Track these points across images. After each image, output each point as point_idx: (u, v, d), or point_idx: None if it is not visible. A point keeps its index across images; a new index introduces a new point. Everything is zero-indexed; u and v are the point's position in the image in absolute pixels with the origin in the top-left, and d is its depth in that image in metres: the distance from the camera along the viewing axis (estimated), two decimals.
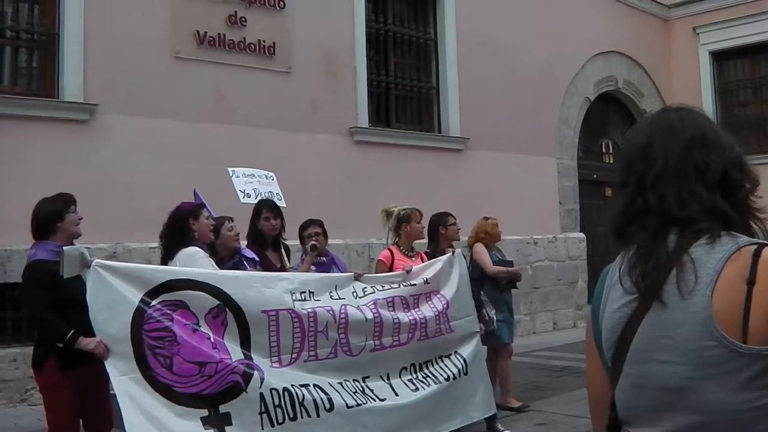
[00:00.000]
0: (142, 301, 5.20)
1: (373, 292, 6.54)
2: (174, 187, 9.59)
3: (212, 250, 6.28)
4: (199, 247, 5.93)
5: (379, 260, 7.37)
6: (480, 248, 8.38)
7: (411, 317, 6.65)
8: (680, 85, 18.35)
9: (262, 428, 5.39)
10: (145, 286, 5.26)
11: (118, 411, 5.06)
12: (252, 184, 7.65)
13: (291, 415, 5.54)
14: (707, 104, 18.03)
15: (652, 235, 1.87)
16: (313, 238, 7.09)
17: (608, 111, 17.79)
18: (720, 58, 18.28)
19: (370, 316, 6.34)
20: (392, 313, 6.54)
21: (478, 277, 8.22)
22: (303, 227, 7.32)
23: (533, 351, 11.89)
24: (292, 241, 7.57)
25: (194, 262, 5.73)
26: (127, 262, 6.62)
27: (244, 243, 7.12)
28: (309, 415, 5.64)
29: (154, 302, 5.24)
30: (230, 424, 5.25)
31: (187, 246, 5.86)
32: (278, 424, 5.46)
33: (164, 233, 6.07)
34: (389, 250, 7.38)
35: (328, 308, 6.10)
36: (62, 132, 9.67)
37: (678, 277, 1.78)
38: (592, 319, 1.98)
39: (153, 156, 10.16)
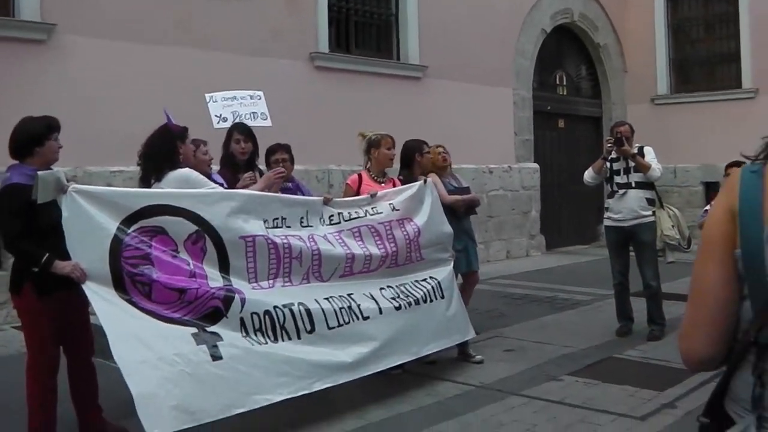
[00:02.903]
0: (119, 228, 5.13)
1: (339, 222, 6.53)
2: (135, 110, 9.48)
3: None
4: None
5: (347, 184, 7.28)
6: (434, 178, 8.13)
7: (382, 247, 6.67)
8: (635, 20, 18.40)
9: (252, 345, 5.41)
10: (122, 213, 5.17)
11: (101, 339, 5.02)
12: (232, 107, 7.48)
13: (272, 338, 5.57)
14: (660, 41, 18.16)
15: None
16: (281, 164, 6.96)
17: (563, 44, 17.82)
18: None
19: (338, 246, 6.35)
20: (360, 243, 6.55)
21: None
22: (270, 152, 7.16)
23: (489, 279, 12.01)
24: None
25: (192, 184, 5.64)
26: (101, 186, 6.46)
27: (216, 168, 7.06)
28: (290, 338, 5.68)
29: (131, 229, 5.17)
30: (222, 340, 5.25)
31: (174, 168, 5.71)
32: (264, 344, 5.50)
33: (148, 154, 5.82)
34: (358, 174, 7.32)
35: (298, 237, 6.11)
36: (19, 52, 9.42)
37: None
38: (742, 226, 1.90)
39: (114, 79, 9.97)
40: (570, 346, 8.09)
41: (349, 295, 6.23)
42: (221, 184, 6.36)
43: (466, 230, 8.14)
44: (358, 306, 6.23)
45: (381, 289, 6.56)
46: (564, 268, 14.45)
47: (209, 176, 6.39)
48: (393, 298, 6.57)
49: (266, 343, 5.52)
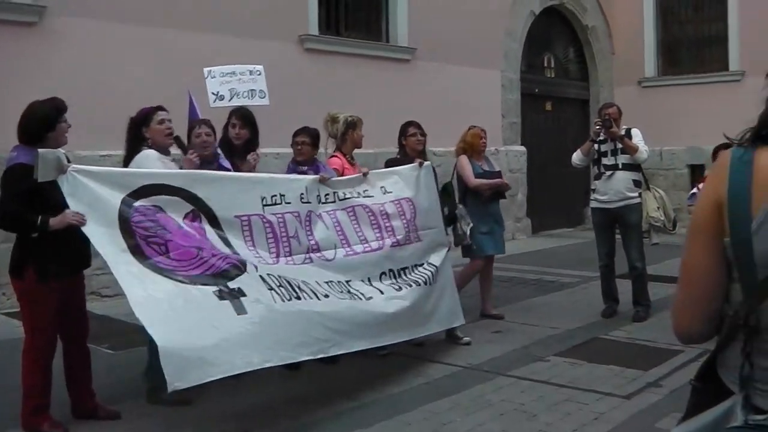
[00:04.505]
0: (123, 201, 5.22)
1: (334, 201, 6.62)
2: (124, 94, 9.46)
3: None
4: (157, 150, 5.92)
5: (334, 168, 7.25)
6: (463, 161, 8.43)
7: (376, 227, 6.77)
8: (623, 2, 18.42)
9: (275, 302, 5.45)
10: (123, 190, 5.28)
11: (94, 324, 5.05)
12: (230, 83, 7.43)
13: (295, 296, 5.64)
14: (648, 23, 18.20)
15: None
16: (299, 147, 7.09)
17: (552, 25, 17.82)
18: None
19: (330, 224, 6.46)
20: (354, 223, 6.66)
21: (461, 190, 8.37)
22: (294, 134, 7.26)
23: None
24: (272, 149, 7.49)
25: (145, 165, 5.76)
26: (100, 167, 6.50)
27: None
28: (311, 297, 5.76)
29: (135, 203, 5.27)
30: (245, 295, 5.30)
31: (138, 152, 5.91)
32: (288, 300, 5.55)
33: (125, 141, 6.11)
34: (338, 156, 7.39)
35: (296, 213, 6.21)
36: (9, 35, 9.38)
37: None
38: (731, 217, 1.94)
39: (104, 61, 9.97)
40: (556, 327, 8.20)
41: (347, 281, 6.31)
42: (227, 169, 6.43)
43: (492, 213, 8.47)
44: (358, 290, 6.31)
45: (382, 274, 6.65)
46: (550, 251, 14.57)
47: (217, 159, 6.45)
48: (391, 284, 6.66)
49: (290, 299, 5.57)
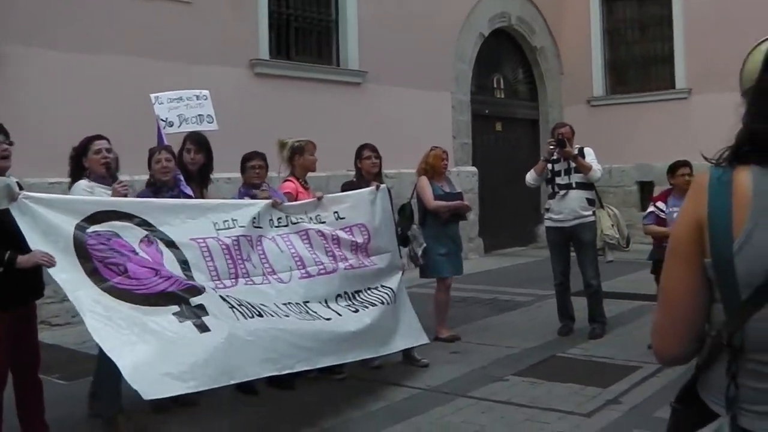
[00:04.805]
0: (77, 227, 5.21)
1: (287, 225, 6.62)
2: (74, 120, 9.34)
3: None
4: (95, 180, 5.90)
5: (287, 193, 7.23)
6: (423, 182, 8.43)
7: (330, 251, 6.75)
8: (571, 23, 18.62)
9: (238, 319, 5.45)
10: (77, 216, 5.26)
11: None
12: (178, 109, 7.41)
13: (258, 313, 5.65)
14: (596, 43, 18.41)
15: None
16: (257, 170, 7.09)
17: (501, 47, 17.95)
18: None
19: (284, 247, 6.43)
20: (308, 245, 6.65)
21: (421, 211, 8.38)
22: (246, 158, 7.24)
23: (429, 282, 12.05)
24: (223, 173, 7.45)
25: (75, 194, 5.78)
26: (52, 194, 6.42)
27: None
28: (272, 316, 5.76)
29: (89, 230, 5.24)
30: (207, 314, 5.26)
31: (78, 180, 5.94)
32: (250, 318, 5.55)
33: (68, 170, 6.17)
34: (291, 181, 7.36)
35: (248, 237, 6.22)
36: None
37: None
38: (712, 239, 1.93)
39: (53, 88, 9.84)
40: (513, 347, 8.18)
41: (305, 302, 6.29)
42: (189, 196, 6.37)
43: (451, 236, 8.45)
44: (316, 311, 6.29)
45: (338, 296, 6.65)
46: (503, 270, 14.61)
47: (178, 185, 6.39)
48: (347, 306, 6.64)
49: (252, 317, 5.58)
